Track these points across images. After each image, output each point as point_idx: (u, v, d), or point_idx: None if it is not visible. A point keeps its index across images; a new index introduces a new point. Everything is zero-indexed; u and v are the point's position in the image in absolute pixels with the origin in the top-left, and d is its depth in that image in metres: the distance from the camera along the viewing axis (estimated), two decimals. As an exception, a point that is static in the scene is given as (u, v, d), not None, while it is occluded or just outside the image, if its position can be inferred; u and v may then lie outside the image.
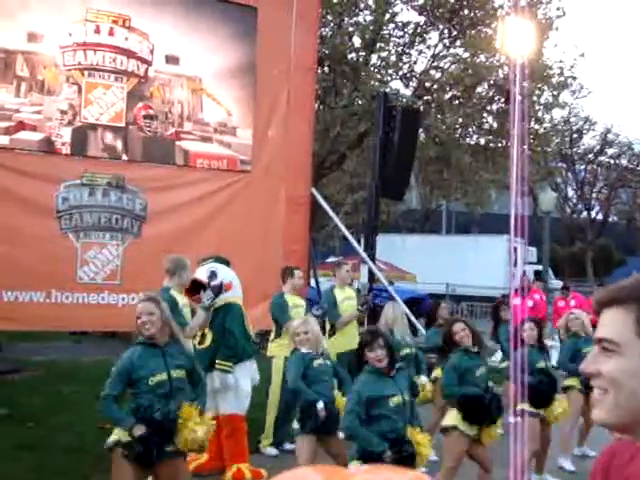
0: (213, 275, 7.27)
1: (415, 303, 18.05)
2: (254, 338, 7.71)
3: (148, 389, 5.05)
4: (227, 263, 7.66)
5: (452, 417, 6.49)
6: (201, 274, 7.35)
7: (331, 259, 25.36)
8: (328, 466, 1.32)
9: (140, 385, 5.07)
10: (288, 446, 8.13)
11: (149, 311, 5.21)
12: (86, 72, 10.40)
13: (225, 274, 7.39)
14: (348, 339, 8.53)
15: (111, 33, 10.54)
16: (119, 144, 10.61)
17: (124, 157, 10.68)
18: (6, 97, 9.98)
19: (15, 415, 8.57)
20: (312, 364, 6.27)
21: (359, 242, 14.94)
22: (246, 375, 7.35)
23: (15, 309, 9.74)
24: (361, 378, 5.44)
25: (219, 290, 7.20)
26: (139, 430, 4.93)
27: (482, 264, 27.14)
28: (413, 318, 11.55)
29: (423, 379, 8.03)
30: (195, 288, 7.34)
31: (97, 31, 10.47)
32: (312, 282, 12.29)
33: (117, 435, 5.12)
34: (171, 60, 10.96)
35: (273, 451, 8.26)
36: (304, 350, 6.32)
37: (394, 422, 5.27)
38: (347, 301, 9.19)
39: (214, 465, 7.26)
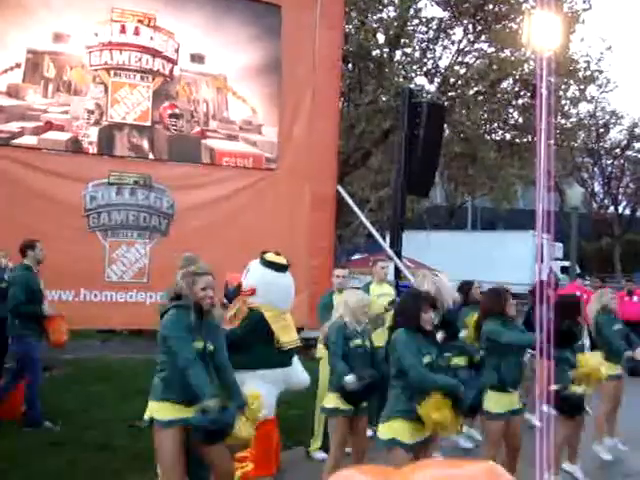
0: (247, 273, 7.14)
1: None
2: (287, 345, 7.27)
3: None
4: (278, 267, 7.14)
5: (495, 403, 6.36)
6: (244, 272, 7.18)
7: (357, 256, 25.36)
8: (374, 466, 1.33)
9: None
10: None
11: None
12: (112, 72, 10.49)
13: (253, 277, 7.08)
14: (376, 336, 8.46)
15: (136, 32, 10.62)
16: (145, 143, 10.69)
17: (150, 156, 10.76)
18: (34, 97, 10.09)
19: (46, 413, 8.65)
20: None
21: (384, 239, 14.91)
22: (258, 382, 6.98)
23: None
24: (403, 336, 5.40)
25: (237, 291, 7.07)
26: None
27: (508, 260, 27.00)
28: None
29: None
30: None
31: (123, 31, 10.56)
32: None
33: (151, 412, 5.09)
34: (196, 59, 11.01)
35: (322, 455, 8.10)
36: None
37: None
38: (383, 297, 9.10)
39: (259, 472, 6.84)
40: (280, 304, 7.16)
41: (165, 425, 5.00)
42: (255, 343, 6.90)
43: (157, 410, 5.05)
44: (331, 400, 6.26)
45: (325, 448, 7.89)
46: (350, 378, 6.06)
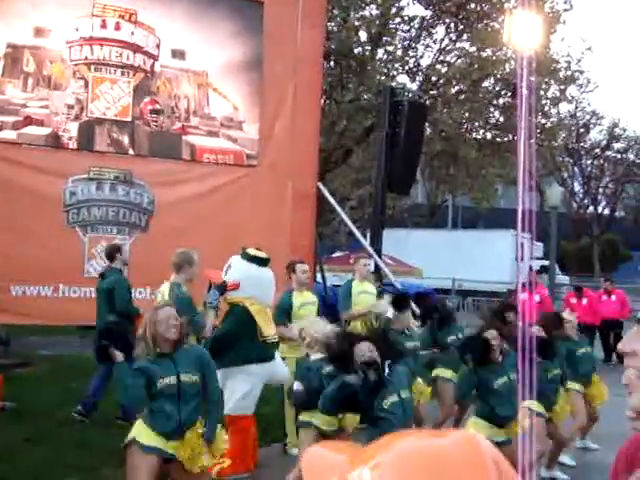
0: (228, 269, 7.12)
1: (421, 298, 17.99)
2: (271, 338, 7.26)
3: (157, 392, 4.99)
4: (260, 260, 7.17)
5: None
6: (224, 268, 7.13)
7: (337, 254, 25.39)
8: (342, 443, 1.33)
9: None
10: None
11: (175, 316, 5.10)
12: (93, 67, 10.43)
13: (236, 271, 7.09)
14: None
15: (117, 28, 10.55)
16: (126, 139, 10.63)
17: (131, 152, 10.71)
18: (13, 92, 10.01)
19: (23, 409, 8.60)
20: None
21: (365, 237, 14.95)
22: (245, 377, 7.01)
23: (23, 303, 9.79)
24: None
25: (223, 288, 7.05)
26: None
27: (488, 259, 27.11)
28: (418, 312, 11.51)
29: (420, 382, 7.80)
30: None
31: (103, 26, 10.49)
32: (318, 277, 12.30)
33: (135, 433, 5.08)
34: (177, 55, 10.97)
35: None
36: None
37: None
38: (363, 295, 9.04)
39: (237, 469, 6.82)
40: (263, 298, 7.19)
41: (145, 449, 4.97)
42: (240, 338, 6.90)
43: (140, 433, 5.02)
44: (305, 415, 6.19)
45: None
46: (297, 384, 6.02)
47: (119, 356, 5.00)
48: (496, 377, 6.23)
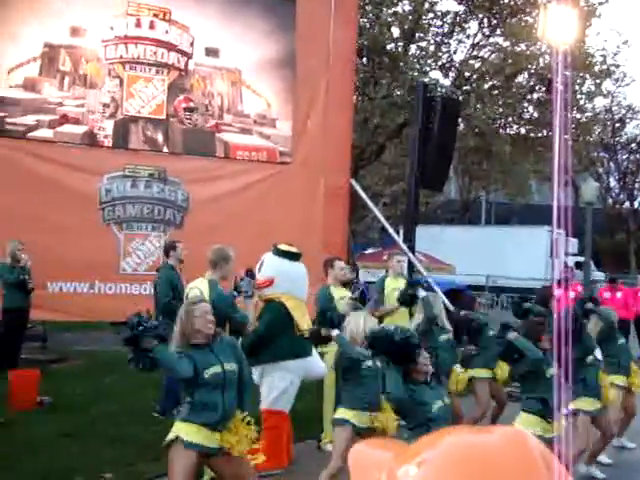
0: (261, 266, 7.12)
1: (454, 294, 17.92)
2: (307, 334, 7.25)
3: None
4: (292, 255, 7.20)
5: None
6: (258, 265, 7.15)
7: (370, 250, 25.34)
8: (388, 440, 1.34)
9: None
10: None
11: (211, 311, 5.17)
12: (127, 65, 10.53)
13: (269, 268, 7.09)
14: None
15: (152, 26, 10.64)
16: (160, 136, 10.72)
17: (165, 149, 10.79)
18: (50, 91, 10.15)
19: (60, 404, 8.71)
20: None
21: (398, 233, 14.91)
22: (282, 373, 6.96)
23: (59, 300, 9.93)
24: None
25: (253, 274, 7.05)
26: None
27: (522, 255, 26.86)
28: (452, 309, 11.48)
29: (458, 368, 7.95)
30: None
31: (138, 24, 10.59)
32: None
33: (175, 431, 5.07)
34: (211, 53, 11.03)
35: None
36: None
37: None
38: (398, 291, 9.02)
39: (271, 465, 6.70)
40: (298, 292, 7.19)
41: (186, 445, 4.97)
42: (278, 334, 6.89)
43: (180, 430, 5.00)
44: (341, 412, 6.19)
45: None
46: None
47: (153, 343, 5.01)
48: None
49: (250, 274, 6.98)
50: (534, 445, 1.26)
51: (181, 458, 4.95)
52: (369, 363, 6.06)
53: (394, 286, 9.01)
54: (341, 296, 8.18)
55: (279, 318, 6.94)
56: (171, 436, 4.98)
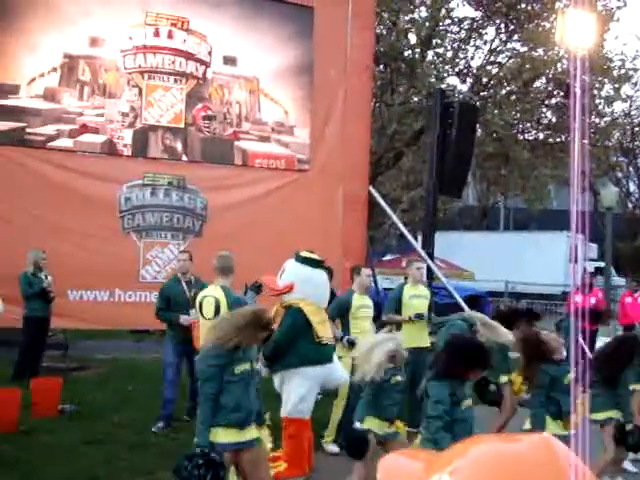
0: (282, 273, 7.13)
1: (474, 301, 17.87)
2: (326, 340, 7.25)
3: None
4: (309, 261, 7.19)
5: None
6: (280, 272, 7.17)
7: (388, 257, 25.31)
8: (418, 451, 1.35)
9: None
10: None
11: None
12: (146, 75, 10.61)
13: (290, 274, 7.07)
14: (413, 337, 8.43)
15: (170, 36, 10.72)
16: (179, 145, 10.79)
17: (184, 158, 10.85)
18: (70, 101, 10.24)
19: (82, 411, 8.76)
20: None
21: (416, 240, 14.89)
22: (301, 380, 6.91)
23: (80, 308, 10.00)
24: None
25: (259, 289, 7.09)
26: None
27: (542, 261, 26.76)
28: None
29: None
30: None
31: (156, 34, 10.67)
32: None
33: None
34: (229, 61, 11.09)
35: (334, 448, 8.17)
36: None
37: None
38: (416, 299, 8.97)
39: (292, 473, 6.79)
40: (317, 299, 7.17)
41: (218, 447, 4.96)
42: (296, 340, 6.88)
43: (216, 434, 4.95)
44: (368, 422, 6.20)
45: (339, 442, 7.96)
46: None
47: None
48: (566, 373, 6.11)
49: (256, 288, 7.02)
50: (562, 451, 1.27)
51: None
52: (398, 378, 6.09)
53: (413, 293, 8.99)
54: (360, 305, 8.22)
55: (297, 323, 6.93)
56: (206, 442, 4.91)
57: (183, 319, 8.33)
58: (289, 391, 6.97)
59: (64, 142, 10.21)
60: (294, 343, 6.89)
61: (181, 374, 8.70)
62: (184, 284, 8.61)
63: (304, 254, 7.18)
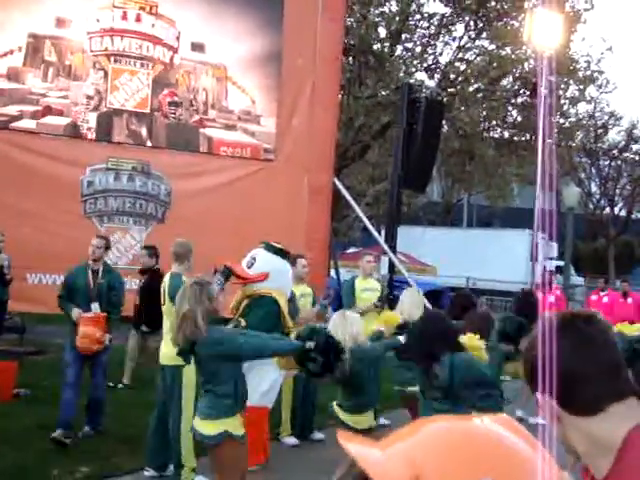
0: (253, 261, 7.08)
1: (435, 296, 18.01)
2: (294, 329, 7.25)
3: None
4: (280, 252, 7.16)
5: None
6: (245, 260, 7.11)
7: (352, 250, 25.35)
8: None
9: None
10: (317, 435, 8.22)
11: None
12: (112, 58, 10.49)
13: (265, 263, 6.99)
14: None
15: (138, 19, 10.60)
16: (144, 130, 10.69)
17: (148, 143, 10.76)
18: (34, 81, 10.09)
19: (37, 396, 8.68)
20: None
21: (380, 233, 14.93)
22: (271, 368, 6.83)
23: (38, 291, 9.86)
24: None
25: (228, 275, 7.01)
26: None
27: (503, 258, 27.00)
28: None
29: None
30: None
31: (124, 17, 10.54)
32: (332, 272, 12.31)
33: (224, 428, 4.90)
34: (197, 47, 11.00)
35: (292, 440, 8.20)
36: None
37: None
38: (367, 292, 9.06)
39: (252, 462, 6.44)
40: (287, 290, 7.24)
41: (241, 440, 4.93)
42: (270, 329, 6.86)
43: (233, 425, 4.91)
44: (346, 417, 6.24)
45: (296, 434, 8.02)
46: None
47: None
48: None
49: (225, 272, 6.89)
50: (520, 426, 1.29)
51: (242, 452, 4.91)
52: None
53: (364, 286, 9.08)
54: (302, 293, 8.29)
55: (270, 313, 6.91)
56: (220, 432, 4.83)
57: (75, 312, 7.58)
58: (259, 380, 6.96)
59: (27, 123, 10.05)
60: (267, 332, 6.88)
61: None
62: (90, 272, 7.86)
63: (276, 245, 7.17)
